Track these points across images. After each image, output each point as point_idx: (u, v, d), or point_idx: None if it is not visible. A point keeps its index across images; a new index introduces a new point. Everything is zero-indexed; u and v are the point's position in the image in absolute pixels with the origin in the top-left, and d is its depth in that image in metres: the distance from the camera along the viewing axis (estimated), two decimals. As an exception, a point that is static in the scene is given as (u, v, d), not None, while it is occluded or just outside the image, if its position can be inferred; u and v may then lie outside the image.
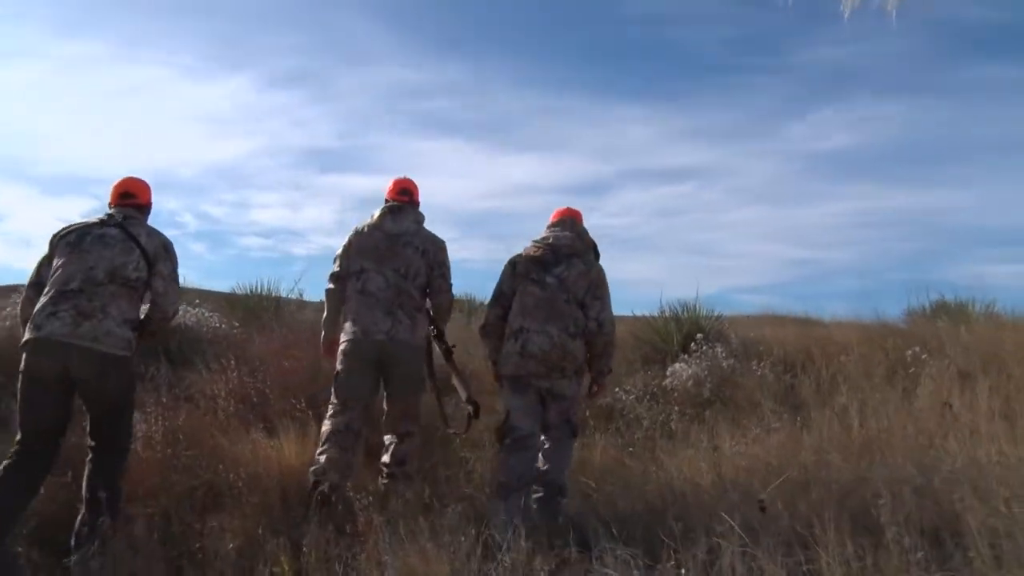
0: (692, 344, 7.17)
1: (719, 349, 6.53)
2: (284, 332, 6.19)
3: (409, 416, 4.20)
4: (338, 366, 4.11)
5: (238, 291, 9.16)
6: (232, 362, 5.35)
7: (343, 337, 4.13)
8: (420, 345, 4.22)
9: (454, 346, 4.52)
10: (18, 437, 3.44)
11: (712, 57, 30.97)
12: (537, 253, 4.06)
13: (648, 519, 3.48)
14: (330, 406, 4.12)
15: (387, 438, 4.27)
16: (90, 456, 3.53)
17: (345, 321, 4.16)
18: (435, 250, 4.27)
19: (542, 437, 3.98)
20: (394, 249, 4.15)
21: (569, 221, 4.19)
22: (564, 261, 3.99)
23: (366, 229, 4.25)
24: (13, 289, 7.11)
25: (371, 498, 3.58)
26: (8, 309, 6.40)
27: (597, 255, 4.18)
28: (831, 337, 7.47)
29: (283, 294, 8.90)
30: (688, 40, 30.84)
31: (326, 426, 4.06)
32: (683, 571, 2.79)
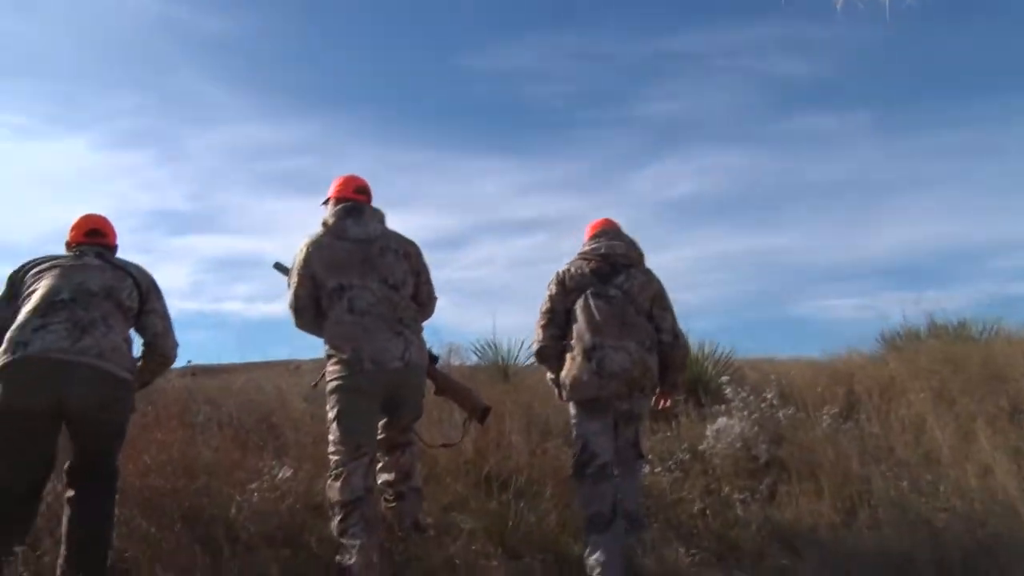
0: (703, 392, 5.56)
1: (769, 395, 4.80)
2: (143, 407, 4.05)
3: (409, 429, 3.57)
4: (336, 404, 3.27)
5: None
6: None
7: (335, 369, 3.30)
8: (427, 365, 3.57)
9: (438, 356, 3.82)
10: None
11: (556, 112, 32.08)
12: (591, 265, 3.68)
13: None
14: (335, 449, 3.25)
15: (382, 457, 3.52)
16: (73, 498, 2.84)
17: (333, 350, 3.32)
18: (416, 253, 3.62)
19: None
20: (370, 257, 3.43)
21: (613, 231, 3.81)
22: (622, 271, 3.66)
23: (324, 240, 3.46)
24: None
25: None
26: None
27: None
28: (869, 374, 5.94)
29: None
30: (533, 96, 32.28)
31: (338, 490, 3.15)
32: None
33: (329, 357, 3.33)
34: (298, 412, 4.52)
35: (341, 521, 3.13)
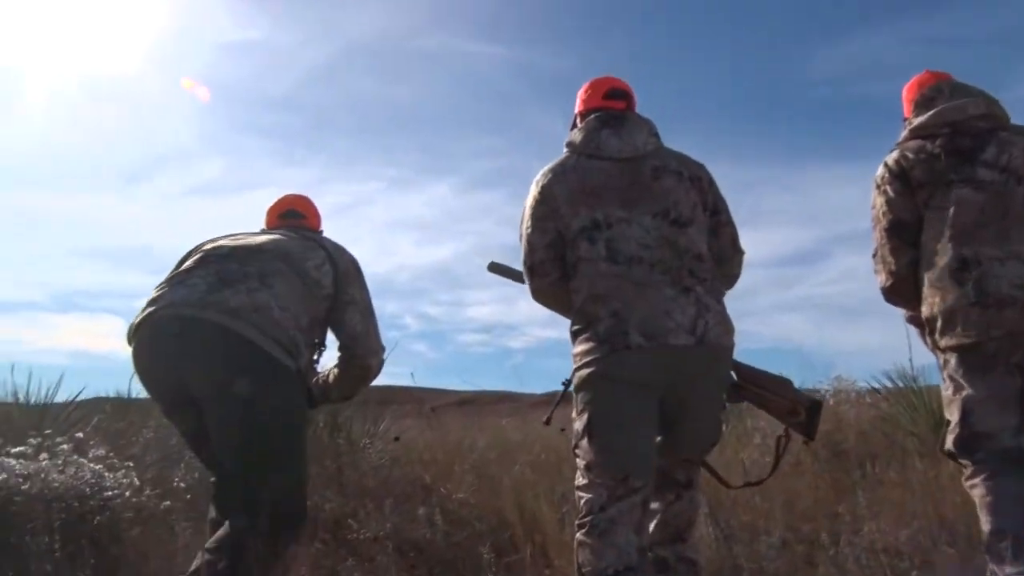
0: None
1: None
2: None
3: (695, 461, 2.41)
4: (586, 407, 2.19)
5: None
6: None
7: (584, 350, 2.20)
8: (732, 348, 2.35)
9: None
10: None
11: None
12: (939, 143, 2.38)
13: None
14: (587, 482, 2.18)
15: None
16: (221, 540, 2.02)
17: (583, 321, 2.24)
18: (708, 179, 2.44)
19: None
20: (640, 180, 2.32)
21: (950, 85, 2.47)
22: (990, 140, 2.36)
23: (569, 162, 2.38)
24: None
25: None
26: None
27: None
28: None
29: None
30: (878, 94, 30.17)
31: (592, 551, 2.07)
32: None
33: (576, 335, 2.27)
34: (550, 525, 2.76)
35: None
